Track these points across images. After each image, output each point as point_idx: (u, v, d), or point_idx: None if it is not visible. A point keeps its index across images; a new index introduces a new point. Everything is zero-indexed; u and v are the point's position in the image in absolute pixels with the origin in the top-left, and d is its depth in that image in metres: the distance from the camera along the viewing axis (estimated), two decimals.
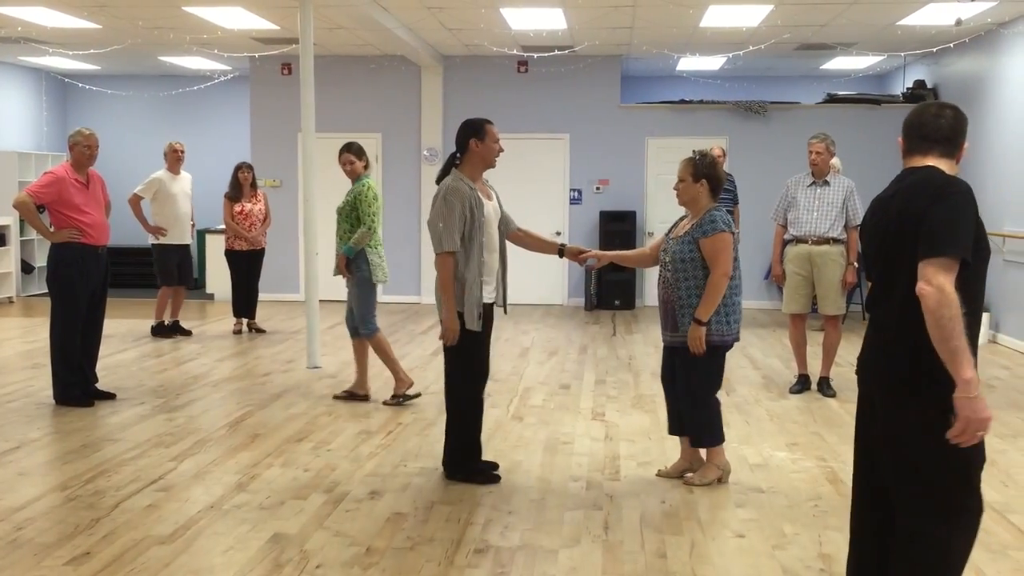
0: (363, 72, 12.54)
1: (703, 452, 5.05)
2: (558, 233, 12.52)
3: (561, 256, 5.20)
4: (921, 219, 2.77)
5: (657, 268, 5.07)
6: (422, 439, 5.87)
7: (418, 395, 6.96)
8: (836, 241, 7.00)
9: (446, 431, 5.11)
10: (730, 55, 11.59)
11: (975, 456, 2.81)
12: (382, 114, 12.75)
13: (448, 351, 4.98)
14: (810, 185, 7.11)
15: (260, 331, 10.08)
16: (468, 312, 4.86)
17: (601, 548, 4.08)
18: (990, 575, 3.84)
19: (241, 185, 9.85)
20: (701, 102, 12.50)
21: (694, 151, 5.08)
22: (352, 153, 6.88)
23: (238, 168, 9.99)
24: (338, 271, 6.87)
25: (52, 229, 6.65)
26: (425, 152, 12.67)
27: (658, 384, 7.47)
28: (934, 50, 10.45)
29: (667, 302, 4.90)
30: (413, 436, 5.94)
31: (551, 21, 9.88)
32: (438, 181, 5.06)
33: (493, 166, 5.08)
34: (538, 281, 12.66)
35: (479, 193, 4.95)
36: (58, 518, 4.40)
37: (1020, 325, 9.32)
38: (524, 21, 9.92)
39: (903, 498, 2.88)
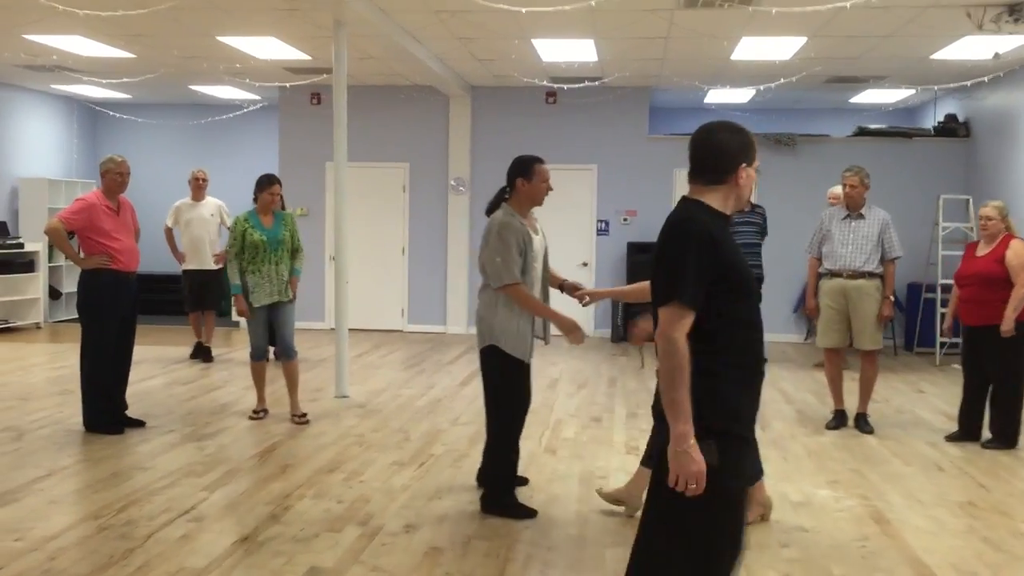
0: (392, 102, 12.58)
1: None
2: (584, 264, 12.47)
3: (562, 291, 5.03)
4: (659, 259, 2.71)
5: None
6: (455, 471, 5.79)
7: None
8: (872, 275, 6.90)
9: (490, 464, 5.03)
10: (760, 87, 11.55)
11: (715, 537, 2.68)
12: (410, 144, 12.77)
13: (494, 381, 4.85)
14: (844, 218, 7.03)
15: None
16: (520, 343, 4.83)
17: None
18: None
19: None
20: None
21: None
22: (280, 185, 7.26)
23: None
24: (293, 293, 7.18)
25: (82, 255, 6.66)
26: (453, 182, 12.67)
27: None
28: (968, 84, 10.37)
29: None
30: (446, 468, 5.86)
31: (582, 53, 9.88)
32: (488, 213, 5.04)
33: (540, 204, 5.09)
34: (564, 312, 12.55)
35: (528, 228, 4.92)
36: (91, 548, 4.35)
37: None
38: (555, 53, 9.92)
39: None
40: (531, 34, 9.03)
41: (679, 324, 2.59)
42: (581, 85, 11.36)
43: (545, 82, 11.55)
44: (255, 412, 7.20)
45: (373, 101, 12.67)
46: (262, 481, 5.50)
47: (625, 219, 12.40)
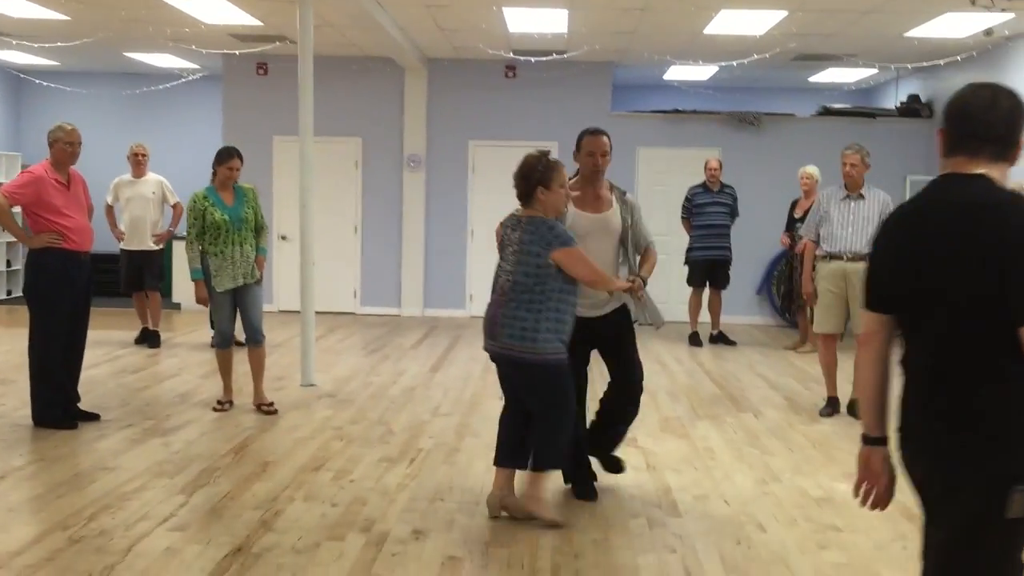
0: (345, 74, 11.97)
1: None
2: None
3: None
4: (1001, 260, 2.20)
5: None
6: (450, 468, 5.39)
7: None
8: None
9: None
10: (723, 64, 11.30)
11: None
12: (363, 118, 12.21)
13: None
14: (844, 199, 6.79)
15: (239, 343, 9.47)
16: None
17: None
18: None
19: None
20: (694, 112, 12.20)
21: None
22: (241, 160, 6.76)
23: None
24: (260, 273, 6.75)
25: (30, 234, 6.05)
26: (408, 158, 12.17)
27: (682, 405, 7.13)
28: (942, 63, 10.26)
29: (497, 308, 4.54)
30: (439, 465, 5.45)
31: (553, 24, 9.48)
32: None
33: (592, 177, 4.80)
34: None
35: (571, 205, 4.65)
36: (64, 565, 3.85)
37: None
38: (524, 23, 9.50)
39: None
40: (503, 1, 8.59)
41: None
42: (547, 59, 10.96)
43: (509, 54, 11.10)
44: (220, 403, 6.69)
45: (325, 73, 11.95)
46: (243, 482, 5.02)
47: None
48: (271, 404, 6.64)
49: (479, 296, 12.29)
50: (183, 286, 11.84)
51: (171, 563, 3.89)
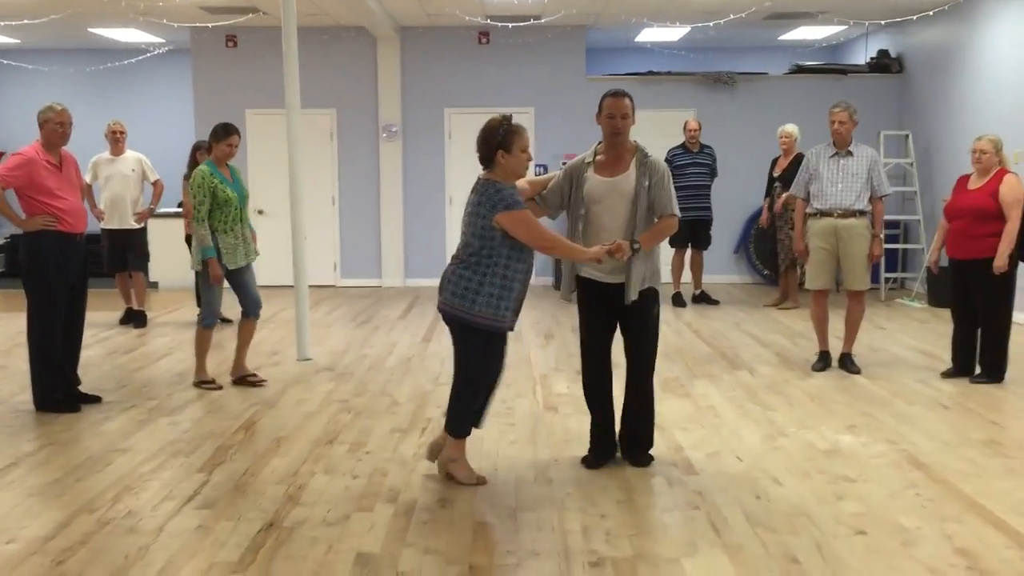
0: (315, 44, 11.82)
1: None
2: None
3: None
4: None
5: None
6: None
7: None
8: (862, 214, 6.78)
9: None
10: (696, 25, 11.33)
11: None
12: (336, 88, 12.10)
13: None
14: (832, 156, 6.88)
15: (226, 320, 9.42)
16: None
17: (725, 555, 3.74)
18: None
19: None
20: (669, 73, 12.23)
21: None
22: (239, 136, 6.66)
23: (196, 148, 9.28)
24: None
25: (23, 217, 5.96)
26: (383, 128, 12.09)
27: (677, 365, 7.22)
28: (914, 18, 10.37)
29: (449, 268, 4.62)
30: None
31: None
32: None
33: (610, 139, 4.70)
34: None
35: (587, 168, 4.72)
36: (99, 547, 3.85)
37: None
38: None
39: None
40: None
41: None
42: (517, 25, 10.92)
43: (485, 20, 11.03)
44: (206, 383, 6.61)
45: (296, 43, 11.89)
46: (260, 458, 5.03)
47: (564, 163, 12.01)
48: (255, 375, 6.64)
49: None
50: (162, 265, 11.73)
51: (205, 540, 3.91)
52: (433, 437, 5.00)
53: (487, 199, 4.38)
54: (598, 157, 4.73)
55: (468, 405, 4.58)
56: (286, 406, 6.14)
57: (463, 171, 12.15)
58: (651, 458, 4.89)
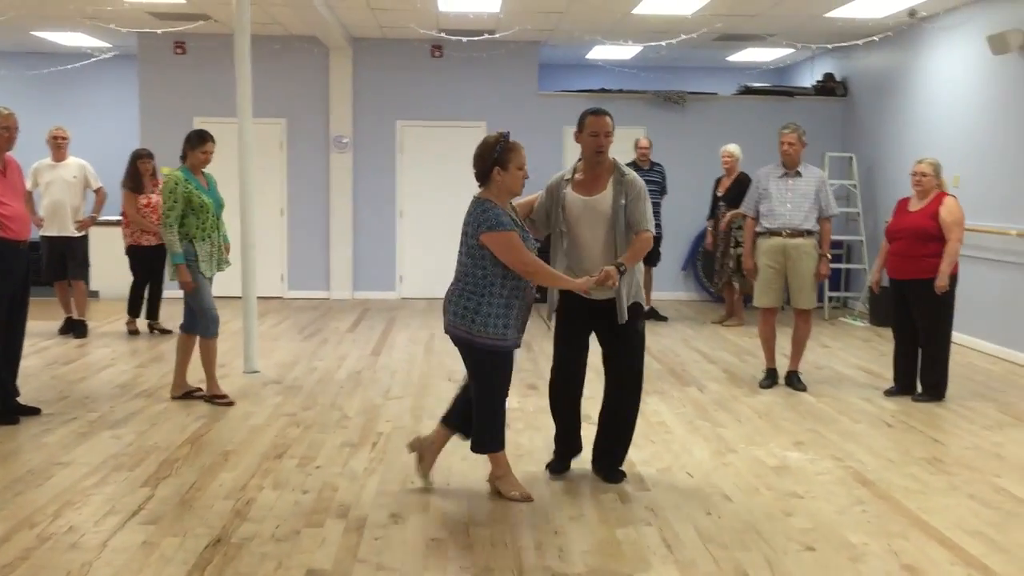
0: (266, 53, 11.67)
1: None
2: None
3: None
4: None
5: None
6: None
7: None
8: (810, 233, 6.90)
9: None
10: (648, 44, 11.47)
11: None
12: (287, 98, 12.00)
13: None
14: (782, 176, 6.99)
15: (165, 331, 9.26)
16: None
17: (677, 571, 3.76)
18: None
19: (142, 175, 9.01)
20: (620, 91, 12.34)
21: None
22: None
23: (137, 156, 9.16)
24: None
25: None
26: (334, 139, 12.01)
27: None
28: (859, 43, 10.61)
29: (450, 290, 4.63)
30: (402, 447, 5.43)
31: (485, 2, 9.46)
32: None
33: (593, 157, 4.73)
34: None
35: (567, 187, 4.75)
36: (40, 563, 3.74)
37: None
38: (456, 1, 9.45)
39: None
40: None
41: None
42: (478, 38, 10.94)
43: (439, 33, 11.03)
44: (219, 398, 6.44)
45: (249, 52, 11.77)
46: (207, 472, 4.94)
47: None
48: (225, 396, 6.52)
49: (409, 278, 12.27)
50: (103, 274, 11.51)
51: (151, 557, 3.82)
52: (422, 434, 4.94)
53: (474, 219, 4.38)
54: (577, 175, 4.74)
55: (492, 420, 4.52)
56: (233, 419, 6.04)
57: (414, 184, 12.12)
58: (623, 474, 4.88)
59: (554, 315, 4.82)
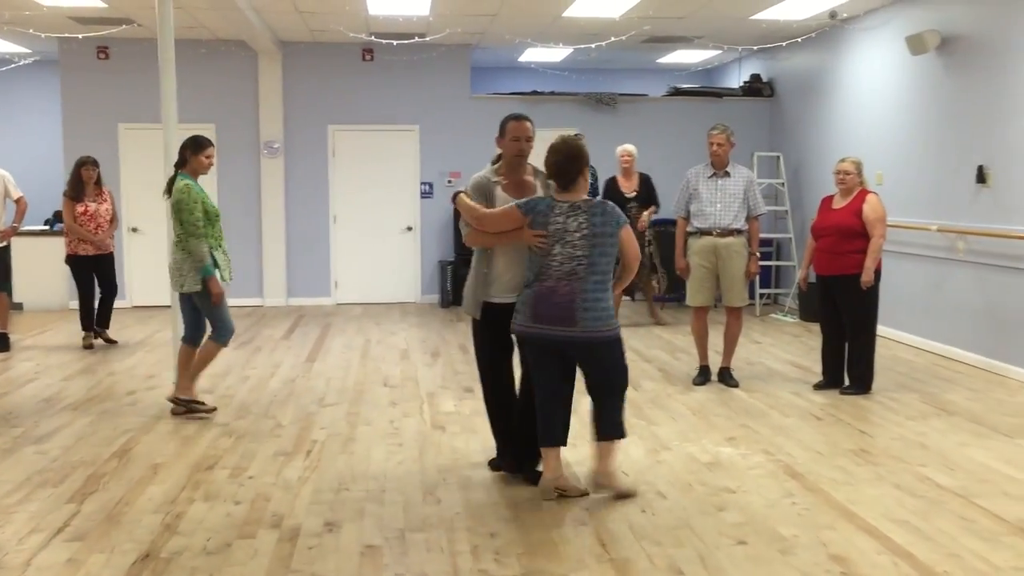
0: (193, 57, 11.49)
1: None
2: (409, 228, 12.08)
3: None
4: None
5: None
6: (350, 457, 5.36)
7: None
8: (739, 232, 7.01)
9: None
10: (578, 47, 11.55)
11: None
12: (215, 103, 11.80)
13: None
14: (711, 177, 7.09)
15: (111, 342, 9.05)
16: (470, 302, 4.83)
17: (612, 569, 3.79)
18: (999, 564, 3.85)
19: (84, 183, 8.82)
20: (552, 93, 12.40)
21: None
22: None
23: (81, 164, 8.98)
24: None
25: None
26: (264, 145, 11.86)
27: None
28: (784, 44, 10.81)
29: (571, 294, 4.48)
30: (338, 455, 5.41)
31: (415, 5, 9.43)
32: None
33: (514, 162, 4.82)
34: (392, 279, 12.19)
35: (499, 187, 4.74)
36: None
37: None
38: (386, 5, 9.41)
39: None
40: None
41: None
42: (410, 42, 10.90)
43: (370, 37, 10.96)
44: (204, 406, 6.33)
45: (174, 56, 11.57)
46: (136, 486, 4.84)
47: (449, 181, 12.09)
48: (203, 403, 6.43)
49: (344, 283, 12.17)
50: (27, 285, 11.21)
51: (76, 574, 3.72)
52: (591, 466, 4.90)
53: (608, 217, 4.48)
54: (499, 178, 4.75)
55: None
56: (162, 432, 5.92)
57: (347, 189, 12.02)
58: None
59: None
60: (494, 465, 5.05)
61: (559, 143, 4.57)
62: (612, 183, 10.11)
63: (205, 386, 7.22)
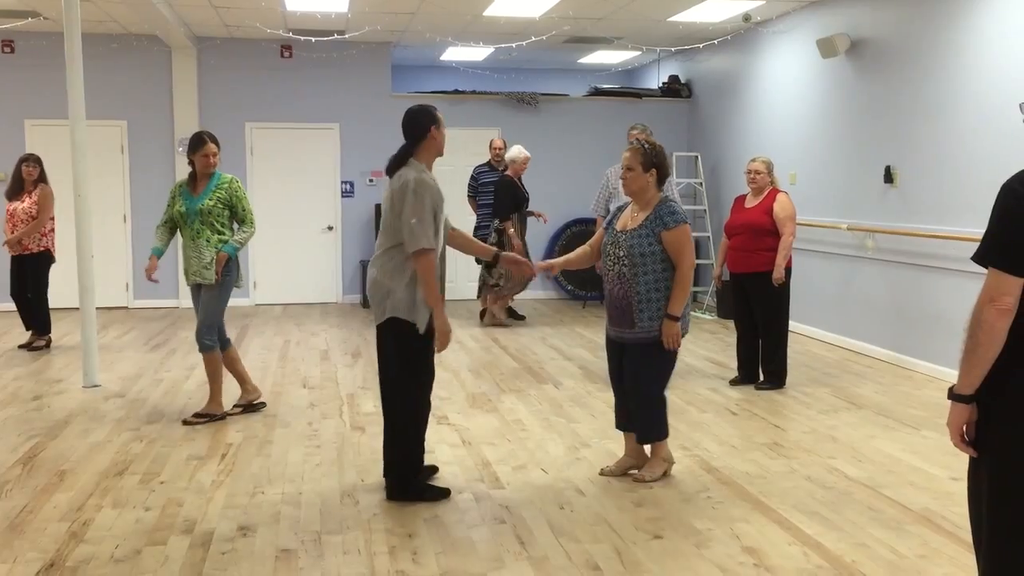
0: (103, 51, 11.20)
1: (647, 448, 5.00)
2: (330, 228, 11.95)
3: (495, 264, 4.67)
4: None
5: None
6: (265, 459, 5.27)
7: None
8: None
9: (393, 447, 4.58)
10: (499, 47, 11.57)
11: None
12: (126, 100, 11.52)
13: (397, 357, 4.48)
14: None
15: (36, 347, 8.74)
16: (423, 315, 4.46)
17: (530, 567, 3.79)
18: (904, 552, 3.96)
19: (24, 181, 8.55)
20: (474, 92, 12.39)
21: (638, 139, 4.94)
22: (216, 144, 6.14)
23: (23, 161, 8.73)
24: (215, 276, 5.98)
25: None
26: (181, 142, 11.60)
27: (485, 381, 7.28)
28: (700, 46, 10.99)
29: (624, 298, 4.68)
30: (252, 457, 5.32)
31: (333, 2, 9.33)
32: (389, 172, 4.54)
33: (443, 155, 4.69)
34: (312, 279, 12.04)
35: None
36: None
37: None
38: (302, 1, 9.28)
39: None
40: None
41: None
42: (329, 39, 10.78)
43: (288, 33, 10.81)
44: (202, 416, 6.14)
45: (83, 51, 11.23)
46: (40, 493, 4.68)
47: (371, 180, 12.00)
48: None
49: (263, 284, 11.97)
50: None
51: None
52: (614, 463, 5.08)
53: (669, 218, 4.73)
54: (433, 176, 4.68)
55: (664, 406, 4.90)
56: (70, 436, 5.74)
57: (265, 188, 11.83)
58: (396, 490, 4.70)
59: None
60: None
61: (654, 149, 4.85)
62: (512, 184, 9.91)
63: (115, 389, 7.05)
